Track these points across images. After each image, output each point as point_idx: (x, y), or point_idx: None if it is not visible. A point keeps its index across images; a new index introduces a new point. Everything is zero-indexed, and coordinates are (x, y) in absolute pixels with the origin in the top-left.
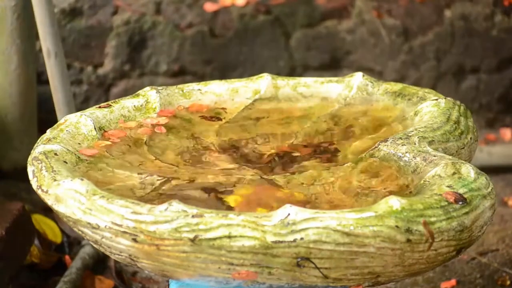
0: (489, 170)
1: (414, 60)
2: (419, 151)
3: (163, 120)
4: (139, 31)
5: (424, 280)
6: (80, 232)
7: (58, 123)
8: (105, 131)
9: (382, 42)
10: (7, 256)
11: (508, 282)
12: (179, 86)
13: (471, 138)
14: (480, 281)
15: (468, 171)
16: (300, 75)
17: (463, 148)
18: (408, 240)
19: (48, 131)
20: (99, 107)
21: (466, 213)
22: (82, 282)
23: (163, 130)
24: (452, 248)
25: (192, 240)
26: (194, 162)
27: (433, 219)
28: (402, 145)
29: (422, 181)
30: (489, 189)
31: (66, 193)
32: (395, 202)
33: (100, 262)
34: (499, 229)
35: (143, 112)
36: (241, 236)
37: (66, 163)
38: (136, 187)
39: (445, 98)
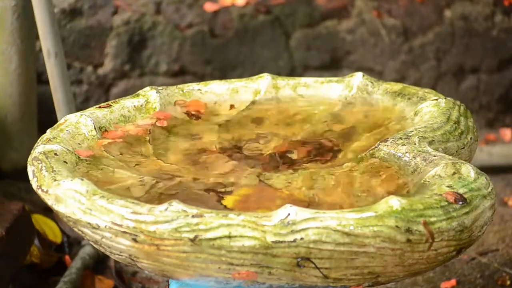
0: (489, 170)
1: (414, 60)
2: (419, 151)
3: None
4: (139, 31)
5: (424, 280)
6: (80, 232)
7: (58, 123)
8: (105, 131)
9: (382, 42)
10: (7, 256)
11: (508, 282)
12: (179, 86)
13: (471, 138)
14: (480, 281)
15: (468, 171)
16: (300, 75)
17: (463, 148)
18: (408, 240)
19: (48, 131)
20: (99, 107)
21: (466, 213)
22: (82, 282)
23: (165, 124)
24: (452, 248)
25: (192, 240)
26: (194, 162)
27: (433, 219)
28: (402, 145)
29: (422, 181)
30: (489, 189)
31: (66, 193)
32: (395, 202)
33: (100, 262)
34: (499, 229)
35: (143, 112)
36: (241, 236)
37: (66, 163)
38: (136, 187)
39: (445, 98)
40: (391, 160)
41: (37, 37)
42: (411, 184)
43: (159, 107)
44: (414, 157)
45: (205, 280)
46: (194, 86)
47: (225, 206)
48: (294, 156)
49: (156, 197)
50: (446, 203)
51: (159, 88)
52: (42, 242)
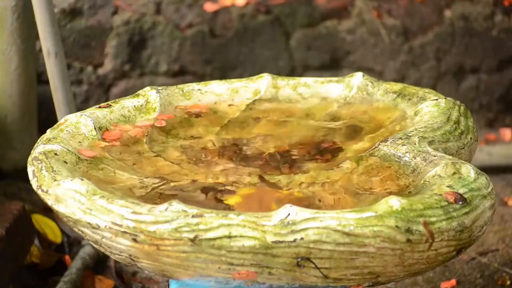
0: (489, 170)
1: (414, 60)
2: (419, 151)
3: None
4: (139, 31)
5: (424, 280)
6: (80, 232)
7: (58, 123)
8: (106, 130)
9: (382, 42)
10: (7, 256)
11: (508, 282)
12: (179, 86)
13: (471, 138)
14: (480, 281)
15: (468, 171)
16: (300, 75)
17: (463, 148)
18: (408, 240)
19: (48, 131)
20: (99, 107)
21: (466, 213)
22: (82, 282)
23: (163, 123)
24: (452, 248)
25: (192, 240)
26: (194, 161)
27: (433, 219)
28: (402, 145)
29: (422, 181)
30: (489, 189)
31: (66, 193)
32: (395, 202)
33: (100, 262)
34: (499, 229)
35: (143, 112)
36: (241, 236)
37: (66, 163)
38: (136, 187)
39: (445, 98)
40: (391, 160)
41: (37, 37)
42: (411, 184)
43: (159, 107)
44: (414, 157)
45: (205, 280)
46: (194, 86)
47: (226, 206)
48: (294, 156)
49: (156, 197)
50: (446, 203)
51: (159, 88)
52: (42, 242)
